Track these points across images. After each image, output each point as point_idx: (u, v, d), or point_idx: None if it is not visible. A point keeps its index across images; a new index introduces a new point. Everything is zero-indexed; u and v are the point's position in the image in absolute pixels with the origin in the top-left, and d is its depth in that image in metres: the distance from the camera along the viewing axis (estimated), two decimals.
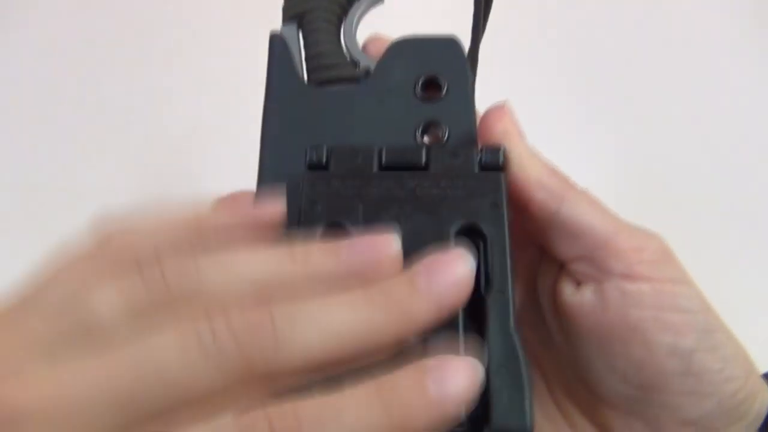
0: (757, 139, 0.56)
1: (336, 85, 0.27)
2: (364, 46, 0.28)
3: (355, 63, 0.27)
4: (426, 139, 0.26)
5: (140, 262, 0.18)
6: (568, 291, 0.25)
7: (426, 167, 0.24)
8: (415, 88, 0.26)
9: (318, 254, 0.19)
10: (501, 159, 0.24)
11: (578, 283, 0.25)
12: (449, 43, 0.27)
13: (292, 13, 0.28)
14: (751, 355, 0.25)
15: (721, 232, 0.51)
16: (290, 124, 0.26)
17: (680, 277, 0.24)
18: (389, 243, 0.20)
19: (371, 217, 0.22)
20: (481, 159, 0.24)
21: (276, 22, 0.28)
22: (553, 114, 0.54)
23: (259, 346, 0.17)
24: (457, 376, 0.17)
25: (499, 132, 0.25)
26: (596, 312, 0.24)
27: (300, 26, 0.28)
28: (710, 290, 0.24)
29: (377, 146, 0.24)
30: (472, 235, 0.22)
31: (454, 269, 0.19)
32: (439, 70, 0.26)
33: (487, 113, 0.25)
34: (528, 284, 0.28)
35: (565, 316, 0.25)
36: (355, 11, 0.28)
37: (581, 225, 0.24)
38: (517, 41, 0.56)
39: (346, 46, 0.27)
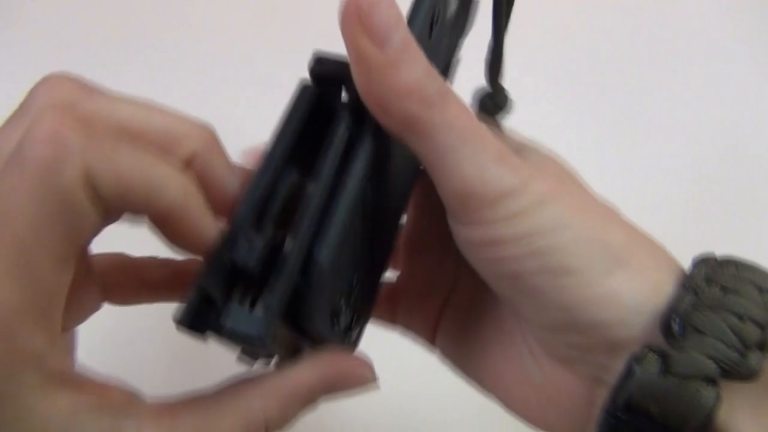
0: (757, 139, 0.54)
1: None
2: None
3: None
4: None
5: None
6: (452, 226, 0.24)
7: None
8: None
9: None
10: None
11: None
12: None
13: None
14: None
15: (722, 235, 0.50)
16: None
17: (559, 222, 0.21)
18: None
19: None
20: None
21: None
22: (552, 117, 0.54)
23: (68, 97, 0.20)
24: None
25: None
26: (465, 255, 0.24)
27: None
28: None
29: None
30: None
31: None
32: None
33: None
34: None
35: None
36: None
37: (444, 163, 0.21)
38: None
39: None
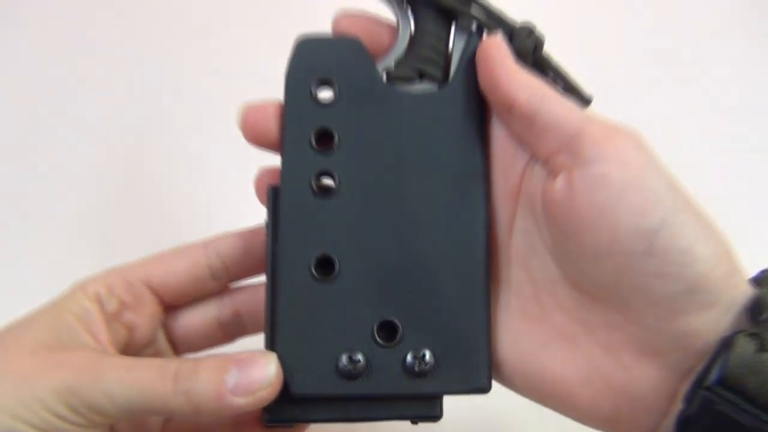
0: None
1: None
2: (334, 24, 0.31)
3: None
4: None
5: None
6: (546, 185, 0.27)
7: None
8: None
9: None
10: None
11: (555, 176, 0.27)
12: None
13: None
14: None
15: None
16: None
17: (649, 162, 0.25)
18: None
19: None
20: None
21: None
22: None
23: None
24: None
25: (488, 56, 0.28)
26: (567, 198, 0.26)
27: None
28: None
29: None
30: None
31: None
32: None
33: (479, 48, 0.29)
34: (514, 192, 0.29)
35: (545, 211, 0.27)
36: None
37: (558, 118, 0.26)
38: None
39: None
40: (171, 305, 0.33)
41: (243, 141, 0.31)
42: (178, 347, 0.34)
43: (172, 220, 0.52)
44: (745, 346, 0.22)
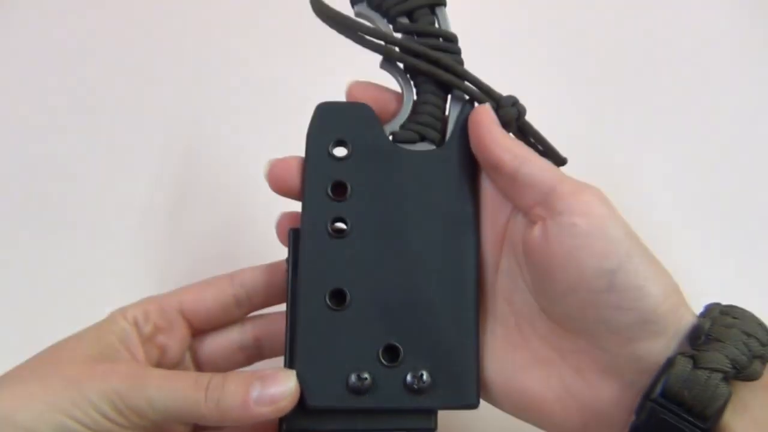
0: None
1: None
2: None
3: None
4: None
5: None
6: (526, 232, 0.32)
7: None
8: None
9: None
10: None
11: (533, 225, 0.31)
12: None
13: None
14: None
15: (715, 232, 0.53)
16: None
17: (609, 214, 0.30)
18: None
19: None
20: None
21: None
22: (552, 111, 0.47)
23: None
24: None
25: (478, 122, 0.33)
26: (542, 244, 0.30)
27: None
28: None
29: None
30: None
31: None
32: None
33: (470, 115, 0.34)
34: (500, 238, 0.34)
35: (525, 254, 0.32)
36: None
37: (535, 177, 0.31)
38: (511, 37, 0.60)
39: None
40: (199, 330, 0.37)
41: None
42: (203, 368, 0.37)
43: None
44: (683, 365, 0.27)
